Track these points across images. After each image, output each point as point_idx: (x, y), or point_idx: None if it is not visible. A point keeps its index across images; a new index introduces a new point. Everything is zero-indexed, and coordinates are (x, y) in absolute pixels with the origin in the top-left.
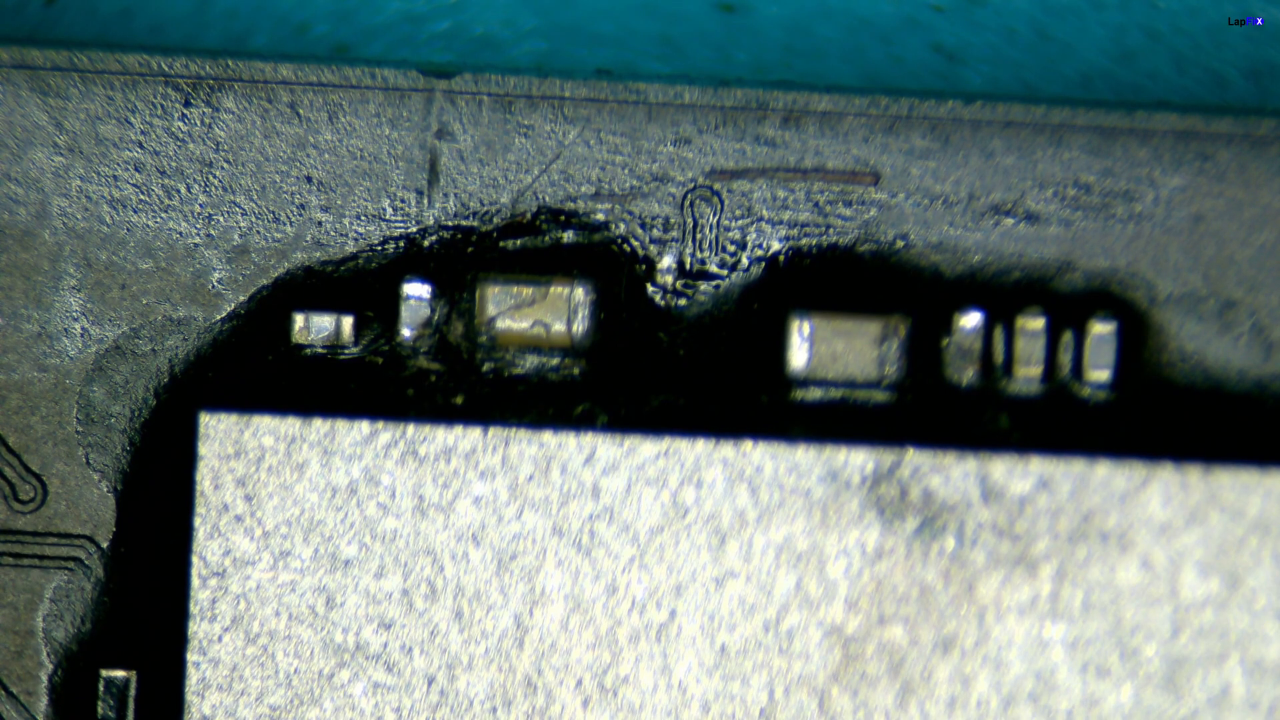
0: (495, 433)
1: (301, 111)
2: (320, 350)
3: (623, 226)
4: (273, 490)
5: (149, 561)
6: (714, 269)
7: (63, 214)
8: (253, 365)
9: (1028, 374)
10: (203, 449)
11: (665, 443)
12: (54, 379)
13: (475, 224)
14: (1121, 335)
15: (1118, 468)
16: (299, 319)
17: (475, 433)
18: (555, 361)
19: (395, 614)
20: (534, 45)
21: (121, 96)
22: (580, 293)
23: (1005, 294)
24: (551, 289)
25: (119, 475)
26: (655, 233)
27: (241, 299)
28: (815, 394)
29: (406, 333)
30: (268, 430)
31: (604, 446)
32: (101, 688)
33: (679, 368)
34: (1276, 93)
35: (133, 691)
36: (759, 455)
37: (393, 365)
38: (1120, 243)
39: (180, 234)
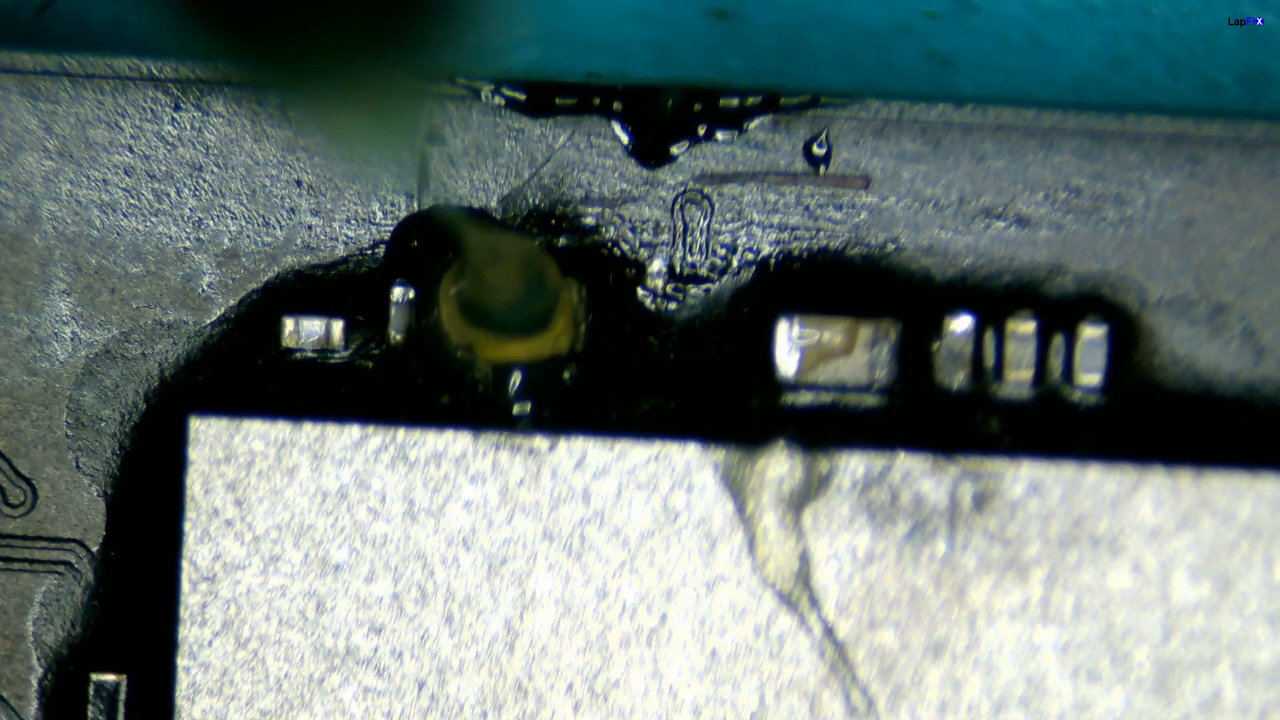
0: (486, 437)
1: (291, 115)
2: (310, 354)
3: (613, 230)
4: (263, 495)
5: (139, 566)
6: (704, 273)
7: (52, 218)
8: (243, 369)
9: (1018, 378)
10: (193, 453)
11: (656, 447)
12: (44, 383)
13: None
14: (1112, 339)
15: (1109, 472)
16: (289, 323)
17: (466, 437)
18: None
19: (386, 618)
20: (527, 53)
21: (111, 101)
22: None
23: (996, 298)
24: None
25: (109, 479)
26: (645, 236)
27: (231, 303)
28: (806, 398)
29: (397, 337)
30: (258, 435)
31: (594, 451)
32: (92, 692)
33: (669, 372)
34: (1268, 97)
35: (123, 696)
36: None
37: (383, 369)
38: (1111, 246)
39: (170, 238)
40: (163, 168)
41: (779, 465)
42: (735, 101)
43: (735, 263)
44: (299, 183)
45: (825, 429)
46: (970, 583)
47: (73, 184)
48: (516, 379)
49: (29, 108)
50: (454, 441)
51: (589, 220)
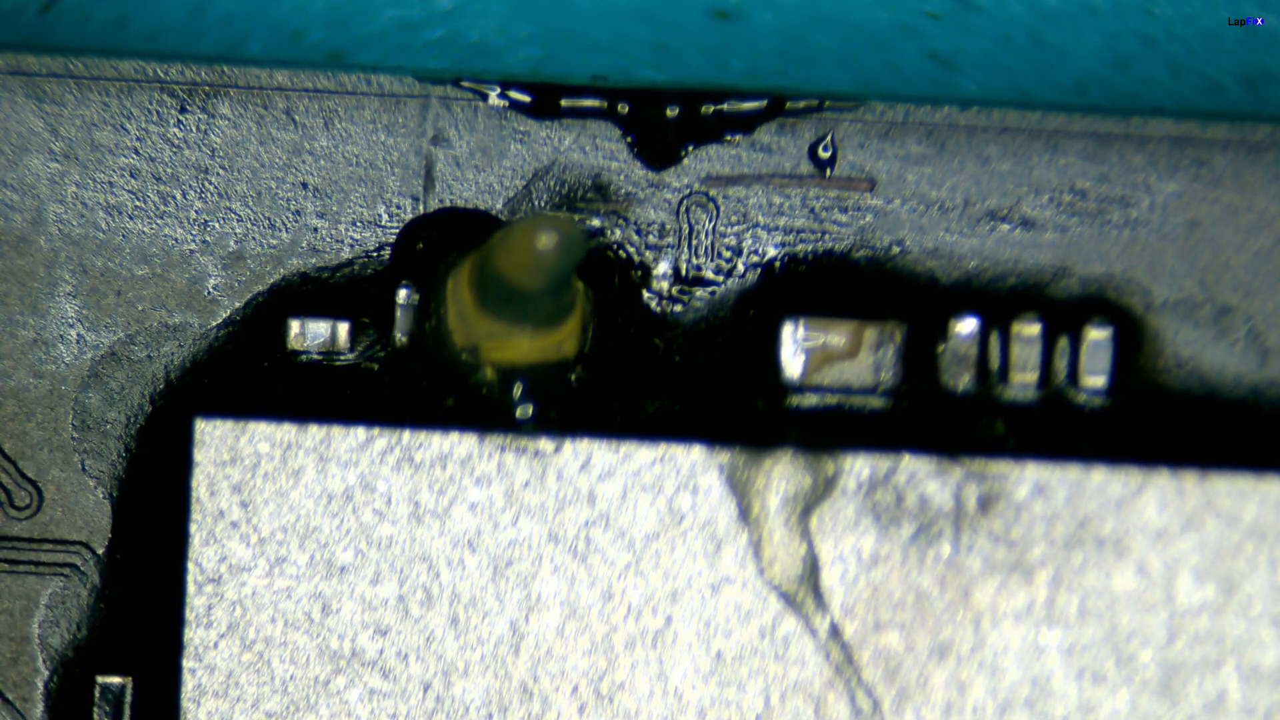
0: (491, 439)
1: (297, 118)
2: (316, 356)
3: (619, 232)
4: (268, 497)
5: (144, 568)
6: (710, 275)
7: (58, 220)
8: (248, 371)
9: (1023, 380)
10: (198, 455)
11: (661, 449)
12: (50, 385)
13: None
14: (1117, 341)
15: (1113, 474)
16: (295, 325)
17: (471, 439)
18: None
19: (391, 620)
20: (529, 52)
21: (117, 103)
22: None
23: (1001, 300)
24: None
25: (115, 482)
26: (651, 239)
27: (237, 305)
28: (811, 400)
29: (402, 339)
30: (263, 436)
31: (600, 453)
32: (97, 694)
33: (675, 374)
34: (1271, 99)
35: (128, 698)
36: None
37: (388, 371)
38: (1116, 248)
39: (176, 240)
40: (168, 170)
41: (784, 467)
42: (741, 105)
43: (740, 265)
44: (304, 185)
45: (830, 431)
46: (975, 584)
47: (78, 186)
48: (519, 387)
49: (35, 110)
50: (459, 443)
51: (594, 222)
